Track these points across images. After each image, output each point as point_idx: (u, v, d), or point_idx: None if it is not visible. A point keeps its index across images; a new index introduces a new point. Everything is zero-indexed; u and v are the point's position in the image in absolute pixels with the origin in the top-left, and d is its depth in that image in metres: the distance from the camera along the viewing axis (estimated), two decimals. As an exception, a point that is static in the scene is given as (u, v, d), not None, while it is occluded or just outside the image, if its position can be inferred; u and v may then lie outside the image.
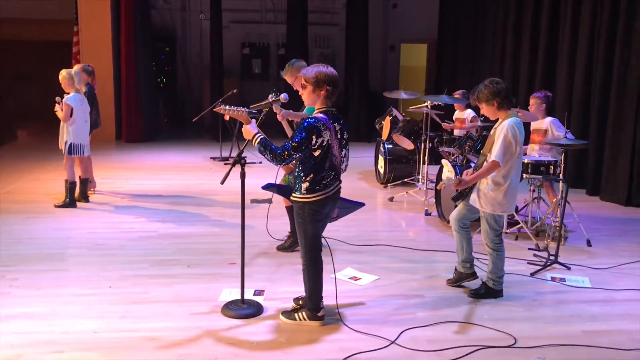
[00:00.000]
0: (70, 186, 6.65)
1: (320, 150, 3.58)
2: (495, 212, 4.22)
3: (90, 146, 6.96)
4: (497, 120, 4.32)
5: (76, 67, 7.13)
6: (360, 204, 4.08)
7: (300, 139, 3.50)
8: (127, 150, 11.03)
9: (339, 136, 3.71)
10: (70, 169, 6.64)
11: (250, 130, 3.63)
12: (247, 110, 3.75)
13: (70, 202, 6.65)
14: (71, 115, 6.47)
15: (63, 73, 6.54)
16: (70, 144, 6.56)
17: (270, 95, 4.05)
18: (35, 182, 7.92)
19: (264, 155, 3.57)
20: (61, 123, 6.61)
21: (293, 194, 3.73)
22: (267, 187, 4.33)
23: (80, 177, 6.88)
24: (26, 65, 12.91)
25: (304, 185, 3.63)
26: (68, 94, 6.55)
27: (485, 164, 4.21)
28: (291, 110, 4.91)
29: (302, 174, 3.64)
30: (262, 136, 3.59)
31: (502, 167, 4.13)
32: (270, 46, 14.71)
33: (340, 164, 3.79)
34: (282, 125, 4.95)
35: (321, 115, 3.60)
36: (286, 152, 3.50)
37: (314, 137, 3.52)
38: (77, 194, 6.81)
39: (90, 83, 7.18)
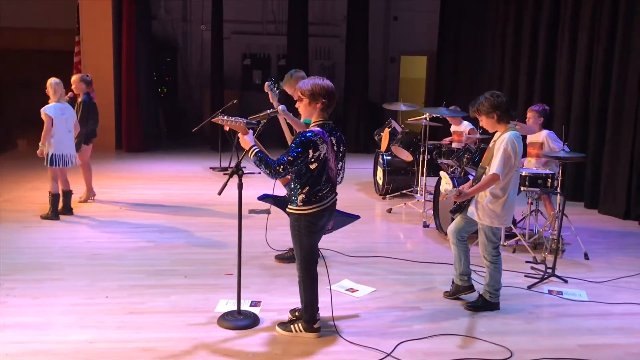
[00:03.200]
0: (52, 198, 6.52)
1: (317, 164, 3.59)
2: (493, 225, 4.23)
3: (91, 155, 6.93)
4: (495, 132, 4.34)
5: (74, 77, 7.15)
6: (355, 217, 4.09)
7: (296, 154, 3.51)
8: (127, 159, 11.04)
9: (335, 149, 3.73)
10: (53, 181, 6.51)
11: (247, 141, 3.66)
12: (245, 121, 3.77)
13: (53, 215, 6.52)
14: (52, 126, 6.34)
15: (50, 82, 6.45)
16: (52, 154, 6.41)
17: (269, 109, 4.07)
18: (34, 191, 7.92)
19: (259, 168, 3.58)
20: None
21: (289, 206, 3.74)
22: (263, 198, 4.33)
23: (62, 189, 6.68)
24: (27, 73, 12.95)
25: (300, 197, 3.64)
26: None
27: (484, 176, 4.23)
28: (291, 114, 4.91)
29: (298, 186, 3.65)
30: (257, 149, 3.60)
31: (502, 179, 4.14)
32: (271, 57, 14.77)
33: (336, 176, 3.80)
34: (282, 134, 4.97)
35: (318, 128, 3.62)
36: (281, 167, 3.51)
37: (310, 151, 3.54)
38: (61, 207, 6.68)
39: (89, 93, 7.18)
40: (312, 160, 3.57)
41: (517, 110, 8.90)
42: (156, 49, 13.41)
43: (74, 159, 6.63)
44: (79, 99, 7.09)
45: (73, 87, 7.08)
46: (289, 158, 3.51)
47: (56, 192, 6.55)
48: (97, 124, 7.36)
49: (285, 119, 4.88)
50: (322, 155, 3.58)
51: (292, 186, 3.69)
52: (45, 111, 6.35)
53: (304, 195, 3.64)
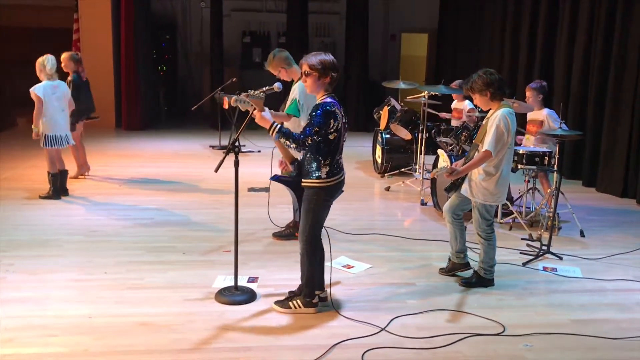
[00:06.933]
0: (52, 178, 6.49)
1: (336, 134, 3.62)
2: (487, 202, 4.25)
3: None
4: (489, 110, 4.34)
5: (63, 55, 7.08)
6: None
7: (320, 124, 3.53)
8: (126, 138, 11.05)
9: (344, 120, 3.75)
10: (51, 161, 6.45)
11: (266, 119, 3.62)
12: (244, 95, 3.75)
13: (54, 194, 6.50)
14: (42, 106, 6.19)
15: (38, 60, 6.27)
16: (45, 135, 6.31)
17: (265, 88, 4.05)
18: (33, 169, 7.95)
19: (285, 143, 3.59)
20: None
21: (306, 180, 3.71)
22: (275, 179, 4.33)
23: (58, 169, 6.61)
24: (26, 51, 12.89)
25: (325, 170, 3.64)
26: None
27: (477, 154, 4.24)
28: (272, 110, 4.89)
29: (320, 159, 3.64)
30: (279, 125, 3.61)
31: (494, 157, 4.15)
32: (270, 35, 14.68)
33: (343, 147, 3.80)
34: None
35: (331, 99, 3.64)
36: (309, 138, 3.53)
37: (331, 121, 3.56)
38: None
39: (77, 71, 7.14)
40: (332, 130, 3.59)
41: (517, 87, 8.89)
42: (155, 26, 13.33)
43: (68, 139, 6.54)
44: (69, 78, 7.04)
45: (62, 65, 7.01)
46: (315, 129, 3.53)
47: (55, 171, 6.51)
48: (91, 102, 7.33)
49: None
50: (340, 125, 3.62)
51: (313, 160, 3.66)
52: (35, 91, 6.17)
53: (327, 167, 3.65)
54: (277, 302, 3.95)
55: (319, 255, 3.85)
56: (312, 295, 3.86)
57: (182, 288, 4.22)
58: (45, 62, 6.25)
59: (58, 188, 6.57)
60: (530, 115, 6.24)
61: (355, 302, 4.07)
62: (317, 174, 3.67)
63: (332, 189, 3.72)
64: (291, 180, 4.17)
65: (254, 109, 3.72)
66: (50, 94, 6.28)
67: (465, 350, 3.44)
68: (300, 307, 3.86)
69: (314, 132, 3.53)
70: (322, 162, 3.65)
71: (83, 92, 7.14)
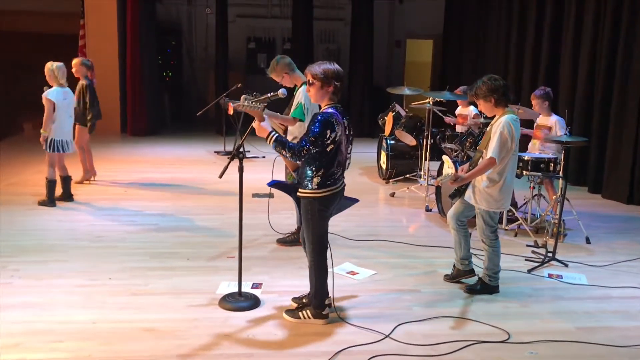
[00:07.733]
0: (48, 184, 6.41)
1: (333, 145, 3.58)
2: (491, 209, 4.24)
3: (95, 139, 6.93)
4: (494, 116, 4.33)
5: (75, 61, 7.14)
6: (355, 200, 4.09)
7: (316, 134, 3.51)
8: (131, 143, 11.07)
9: (347, 132, 3.72)
10: (50, 167, 6.39)
11: (264, 128, 3.64)
12: (263, 106, 3.77)
13: (49, 201, 6.45)
14: (54, 111, 6.23)
15: (48, 65, 6.31)
16: (52, 140, 6.29)
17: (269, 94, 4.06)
18: (39, 174, 7.90)
19: (281, 153, 3.58)
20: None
21: (301, 190, 3.71)
22: (272, 184, 4.32)
23: (60, 175, 6.60)
24: (33, 57, 12.97)
25: (316, 180, 3.62)
26: (51, 87, 6.33)
27: (481, 160, 4.23)
28: (278, 113, 4.93)
29: (313, 169, 3.62)
30: (276, 134, 3.60)
31: (498, 163, 4.14)
32: (276, 41, 14.73)
33: (345, 161, 3.78)
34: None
35: (332, 110, 3.62)
36: (304, 149, 3.51)
37: (328, 131, 3.53)
38: (60, 193, 6.61)
39: (89, 77, 7.19)
40: (329, 141, 3.56)
41: (522, 93, 8.88)
42: (160, 32, 13.38)
43: (71, 145, 6.54)
44: (83, 83, 7.09)
45: (74, 70, 7.07)
46: (311, 139, 3.50)
47: (53, 178, 6.44)
48: (99, 107, 7.40)
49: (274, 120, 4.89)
50: (337, 137, 3.58)
51: (306, 170, 3.66)
52: (48, 96, 6.21)
53: (319, 178, 3.62)
54: (287, 312, 3.92)
55: (327, 265, 3.81)
56: (322, 306, 3.82)
57: (186, 294, 4.22)
58: (56, 70, 6.30)
59: (53, 195, 6.48)
60: (538, 121, 6.22)
61: (359, 308, 4.06)
62: (309, 185, 3.65)
63: (326, 200, 3.67)
64: (288, 185, 4.17)
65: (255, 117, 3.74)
66: (62, 100, 6.33)
67: (470, 358, 3.42)
68: (309, 317, 3.83)
69: (310, 142, 3.51)
70: (315, 172, 3.62)
71: (94, 97, 7.20)
